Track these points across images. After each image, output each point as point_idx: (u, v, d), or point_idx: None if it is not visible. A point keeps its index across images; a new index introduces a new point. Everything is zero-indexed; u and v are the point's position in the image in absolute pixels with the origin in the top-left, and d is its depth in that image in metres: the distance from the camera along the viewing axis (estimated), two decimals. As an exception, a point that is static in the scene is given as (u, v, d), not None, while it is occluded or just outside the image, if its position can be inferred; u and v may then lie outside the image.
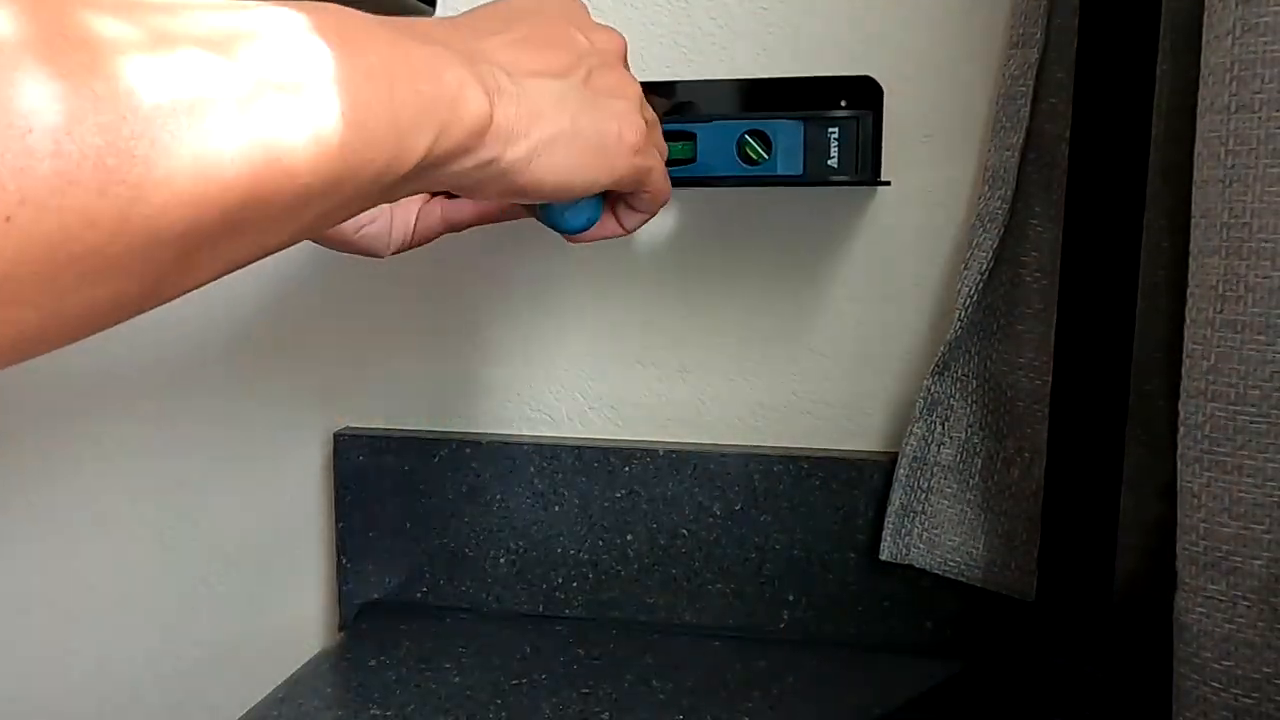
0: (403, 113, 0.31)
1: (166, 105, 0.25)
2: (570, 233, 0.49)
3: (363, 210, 0.34)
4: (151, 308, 0.29)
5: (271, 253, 0.31)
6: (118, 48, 0.25)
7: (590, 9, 0.45)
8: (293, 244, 0.32)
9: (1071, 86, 0.51)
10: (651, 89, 0.49)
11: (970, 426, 0.61)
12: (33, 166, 0.23)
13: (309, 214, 0.30)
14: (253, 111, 0.27)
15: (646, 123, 0.43)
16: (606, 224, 0.49)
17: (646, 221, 0.49)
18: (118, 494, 0.75)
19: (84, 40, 0.24)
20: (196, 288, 0.30)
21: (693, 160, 0.58)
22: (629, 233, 0.50)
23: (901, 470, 0.61)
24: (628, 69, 0.44)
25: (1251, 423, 0.43)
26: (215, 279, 0.30)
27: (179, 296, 0.29)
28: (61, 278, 0.25)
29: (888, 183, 0.60)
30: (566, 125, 0.38)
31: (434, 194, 0.52)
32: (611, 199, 0.48)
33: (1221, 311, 0.43)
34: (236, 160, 0.27)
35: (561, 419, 0.69)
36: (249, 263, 0.31)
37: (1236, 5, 0.42)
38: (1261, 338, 0.43)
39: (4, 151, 0.22)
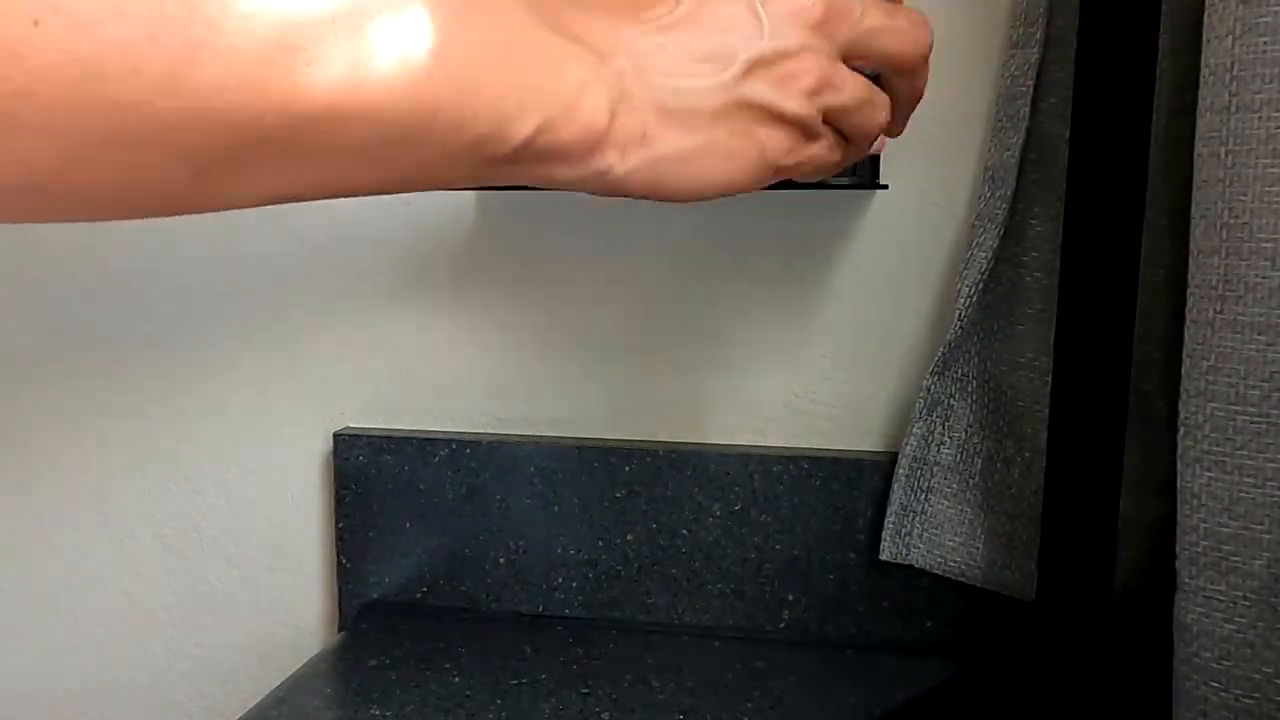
0: (510, 93, 0.30)
1: None
2: None
3: (461, 183, 0.32)
4: (195, 209, 0.27)
5: (347, 193, 0.30)
6: None
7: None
8: (375, 192, 0.31)
9: (1071, 86, 0.51)
10: None
11: (970, 426, 0.61)
12: None
13: (392, 162, 0.29)
14: (351, 27, 0.26)
15: (814, 116, 0.37)
16: None
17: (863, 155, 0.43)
18: (119, 494, 0.75)
19: None
20: (252, 202, 0.28)
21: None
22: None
23: (901, 470, 0.61)
24: (821, 32, 0.37)
25: (1251, 423, 0.43)
26: (275, 198, 0.29)
27: (226, 206, 0.27)
28: (92, 118, 0.22)
29: (885, 186, 0.60)
30: (697, 139, 0.35)
31: None
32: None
33: (1221, 311, 0.43)
34: (314, 63, 0.25)
35: (561, 419, 0.69)
36: (318, 195, 0.29)
37: (1236, 5, 0.42)
38: (1261, 338, 0.43)
39: None
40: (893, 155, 0.61)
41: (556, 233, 0.67)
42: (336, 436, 0.69)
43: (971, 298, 0.58)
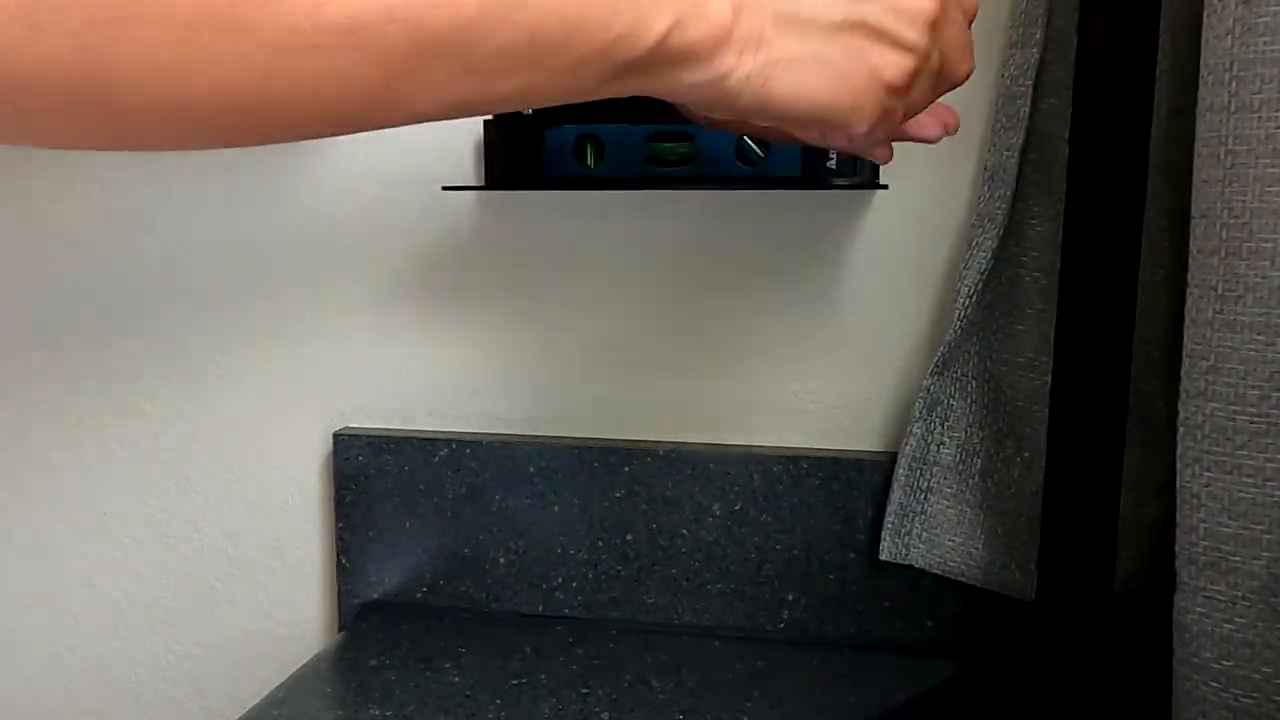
0: None
1: None
2: None
3: (587, 89, 0.33)
4: (379, 121, 0.29)
5: (494, 104, 0.31)
6: None
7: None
8: (518, 104, 0.32)
9: (1071, 86, 0.51)
10: None
11: (970, 426, 0.61)
12: None
13: (537, 67, 0.31)
14: None
15: (929, 51, 0.38)
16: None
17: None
18: (119, 494, 0.75)
19: None
20: (420, 115, 0.30)
21: (692, 161, 0.58)
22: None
23: (901, 470, 0.61)
24: None
25: (1251, 423, 0.43)
26: (446, 107, 0.30)
27: (399, 120, 0.30)
28: (294, 26, 0.24)
29: (885, 186, 0.60)
30: (814, 48, 0.36)
31: None
32: None
33: (1221, 311, 0.43)
34: None
35: (562, 419, 0.69)
36: (473, 107, 0.31)
37: (1236, 5, 0.42)
38: (1261, 338, 0.43)
39: None
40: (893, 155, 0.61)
41: (556, 233, 0.67)
42: (336, 436, 0.69)
43: (971, 298, 0.58)
